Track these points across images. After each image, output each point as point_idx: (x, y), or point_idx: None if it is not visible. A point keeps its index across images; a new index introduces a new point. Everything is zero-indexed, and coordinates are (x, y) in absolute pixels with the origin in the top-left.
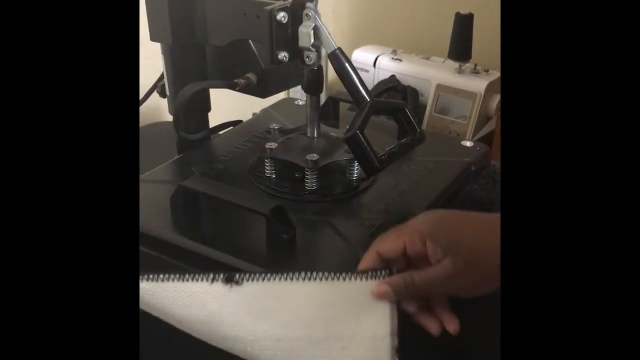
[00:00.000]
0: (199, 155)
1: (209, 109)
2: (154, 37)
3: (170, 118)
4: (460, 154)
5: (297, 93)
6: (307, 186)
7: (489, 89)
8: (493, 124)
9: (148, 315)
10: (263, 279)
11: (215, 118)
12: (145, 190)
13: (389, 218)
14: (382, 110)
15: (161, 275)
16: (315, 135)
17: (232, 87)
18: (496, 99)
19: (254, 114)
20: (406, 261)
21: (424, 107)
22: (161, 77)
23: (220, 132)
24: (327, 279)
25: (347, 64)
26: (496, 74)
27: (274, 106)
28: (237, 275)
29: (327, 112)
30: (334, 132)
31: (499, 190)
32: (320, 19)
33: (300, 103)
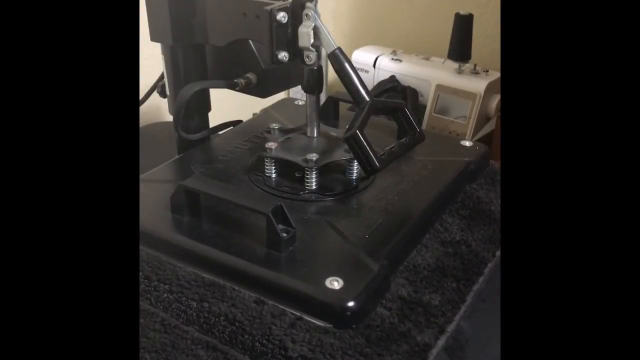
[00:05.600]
0: (199, 155)
1: (209, 109)
2: (154, 37)
3: (170, 118)
4: (459, 153)
5: (297, 93)
6: (307, 186)
7: (489, 89)
8: (493, 124)
9: (148, 314)
10: None
11: (215, 118)
12: (146, 189)
13: (389, 217)
14: (382, 110)
15: None
16: (315, 135)
17: (232, 87)
18: (496, 99)
19: (254, 114)
20: None
21: (424, 107)
22: (161, 77)
23: (220, 132)
24: None
25: (347, 64)
26: (496, 74)
27: (274, 106)
28: None
29: (327, 112)
30: (334, 132)
31: (498, 189)
32: (320, 19)
33: (300, 103)
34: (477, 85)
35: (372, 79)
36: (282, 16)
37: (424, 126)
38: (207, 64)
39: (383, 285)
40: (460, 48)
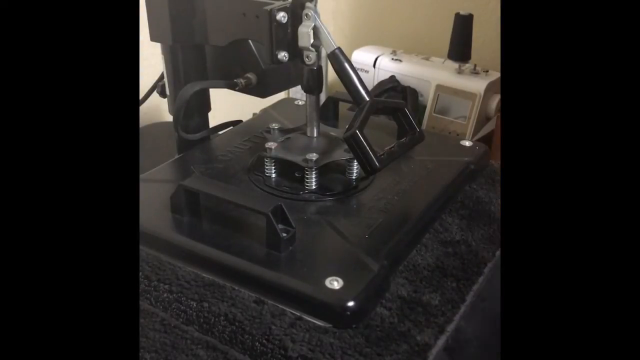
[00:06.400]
0: (199, 155)
1: (209, 109)
2: (154, 37)
3: (170, 118)
4: (459, 153)
5: (297, 93)
6: (307, 185)
7: (489, 89)
8: (493, 124)
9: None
10: None
11: (215, 118)
12: (145, 189)
13: (389, 217)
14: (382, 110)
15: None
16: (315, 135)
17: (232, 87)
18: (496, 99)
19: (254, 114)
20: None
21: (424, 107)
22: (161, 77)
23: (220, 132)
24: None
25: (346, 64)
26: (496, 74)
27: (274, 106)
28: None
29: (327, 112)
30: (333, 132)
31: (498, 189)
32: (320, 19)
33: (300, 103)
34: (477, 85)
35: (372, 79)
36: (282, 16)
37: (424, 126)
38: (207, 64)
39: (383, 285)
40: (460, 48)
